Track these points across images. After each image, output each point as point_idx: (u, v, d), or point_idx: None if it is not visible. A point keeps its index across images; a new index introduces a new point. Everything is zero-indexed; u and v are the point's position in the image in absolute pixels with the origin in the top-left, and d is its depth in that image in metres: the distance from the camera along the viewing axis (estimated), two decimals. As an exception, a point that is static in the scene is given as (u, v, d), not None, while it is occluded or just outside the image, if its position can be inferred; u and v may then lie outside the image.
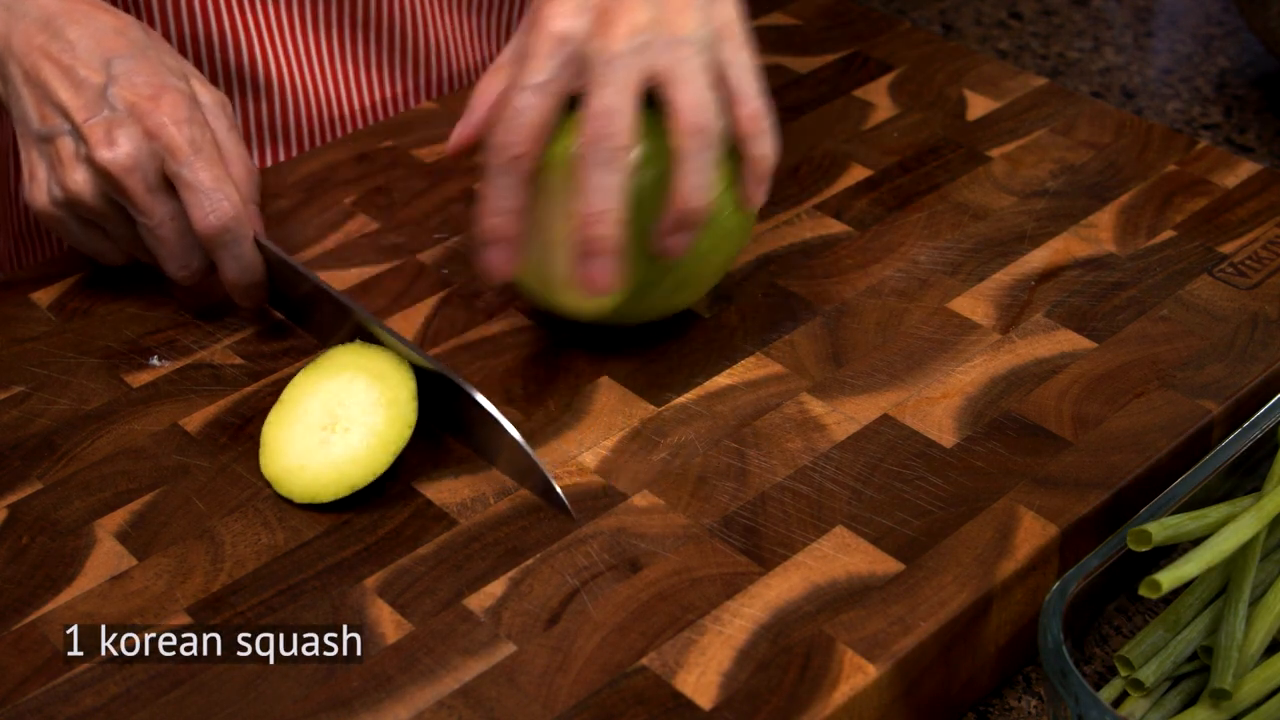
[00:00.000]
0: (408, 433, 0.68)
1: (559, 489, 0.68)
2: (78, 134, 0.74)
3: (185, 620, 0.64)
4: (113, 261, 0.79)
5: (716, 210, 0.71)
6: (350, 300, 0.74)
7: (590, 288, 0.69)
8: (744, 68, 0.71)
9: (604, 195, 0.67)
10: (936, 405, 0.73)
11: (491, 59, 1.02)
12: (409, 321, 0.79)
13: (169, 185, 0.75)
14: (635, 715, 0.60)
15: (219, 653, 0.62)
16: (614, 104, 0.67)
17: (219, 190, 0.74)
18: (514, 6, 1.02)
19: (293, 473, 0.68)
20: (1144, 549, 0.62)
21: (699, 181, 0.68)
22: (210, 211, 0.74)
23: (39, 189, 0.76)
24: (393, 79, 0.98)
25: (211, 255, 0.76)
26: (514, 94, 0.69)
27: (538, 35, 0.69)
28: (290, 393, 0.71)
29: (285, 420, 0.70)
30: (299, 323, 0.79)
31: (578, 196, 0.68)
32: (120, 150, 0.73)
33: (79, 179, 0.74)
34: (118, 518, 0.69)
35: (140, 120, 0.74)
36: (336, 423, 0.69)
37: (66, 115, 0.74)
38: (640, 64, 0.68)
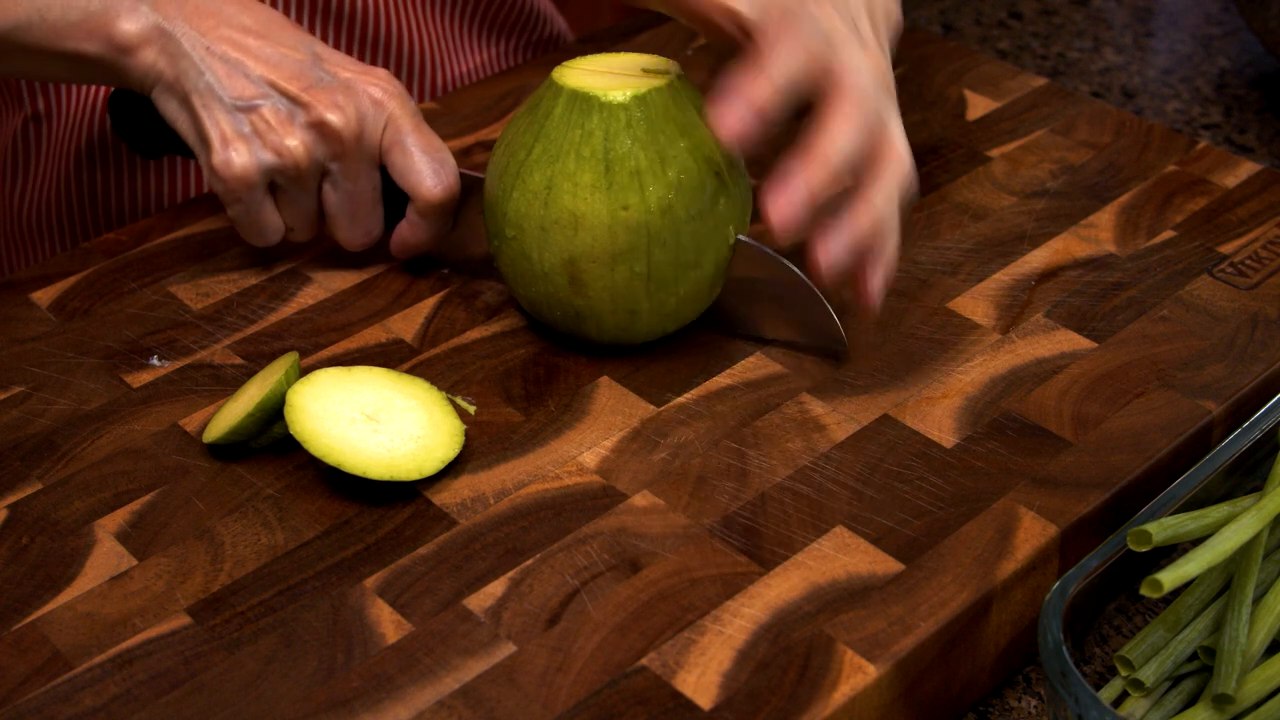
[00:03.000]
0: (457, 448, 0.70)
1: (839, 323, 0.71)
2: (294, 102, 0.76)
3: (185, 620, 0.64)
4: (270, 237, 0.80)
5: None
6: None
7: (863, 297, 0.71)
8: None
9: (889, 216, 0.69)
10: (936, 405, 0.73)
11: (481, 64, 1.03)
12: (409, 322, 0.79)
13: (378, 154, 0.78)
14: (635, 715, 0.60)
15: (219, 653, 0.62)
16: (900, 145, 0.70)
17: (444, 159, 0.78)
18: (495, 10, 1.02)
19: (337, 443, 0.69)
20: (1144, 549, 0.62)
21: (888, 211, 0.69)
22: (437, 181, 0.78)
23: (239, 154, 0.76)
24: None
25: (420, 219, 0.79)
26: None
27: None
28: (321, 380, 0.71)
29: (318, 396, 0.70)
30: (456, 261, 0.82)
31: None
32: (349, 114, 0.76)
33: (294, 143, 0.76)
34: (118, 518, 0.69)
35: (364, 89, 0.77)
36: (379, 421, 0.70)
37: (274, 87, 0.76)
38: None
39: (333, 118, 0.75)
